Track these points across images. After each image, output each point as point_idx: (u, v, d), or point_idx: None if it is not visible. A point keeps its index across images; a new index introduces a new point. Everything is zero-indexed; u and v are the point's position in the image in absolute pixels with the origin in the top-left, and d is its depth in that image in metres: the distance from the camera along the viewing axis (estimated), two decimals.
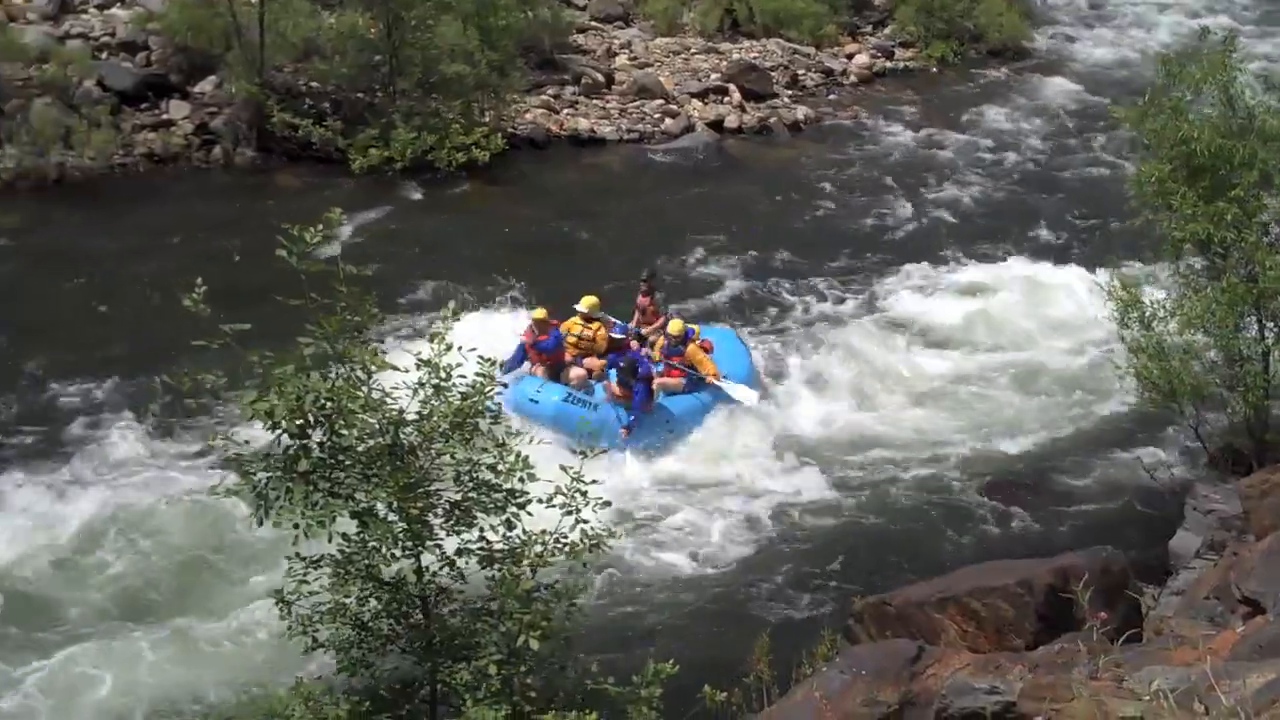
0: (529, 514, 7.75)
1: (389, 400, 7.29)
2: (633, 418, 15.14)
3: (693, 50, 30.37)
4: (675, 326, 16.09)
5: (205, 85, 24.10)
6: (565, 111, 26.39)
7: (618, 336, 16.58)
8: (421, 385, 7.49)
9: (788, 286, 19.98)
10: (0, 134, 21.53)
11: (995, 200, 23.99)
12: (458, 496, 7.64)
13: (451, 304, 8.82)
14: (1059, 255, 21.16)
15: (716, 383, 15.86)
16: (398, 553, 7.54)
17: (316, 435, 7.15)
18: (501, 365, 12.58)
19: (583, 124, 25.90)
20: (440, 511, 7.58)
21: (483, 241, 20.85)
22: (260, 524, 7.15)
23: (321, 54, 24.25)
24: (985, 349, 18.35)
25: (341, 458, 7.25)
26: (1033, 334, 18.71)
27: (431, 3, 23.60)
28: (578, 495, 7.85)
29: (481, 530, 7.82)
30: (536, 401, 15.01)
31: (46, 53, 23.13)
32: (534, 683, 7.95)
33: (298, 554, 7.50)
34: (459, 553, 7.82)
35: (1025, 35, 33.20)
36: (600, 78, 27.80)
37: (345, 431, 7.17)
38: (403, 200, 22.19)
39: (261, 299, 7.70)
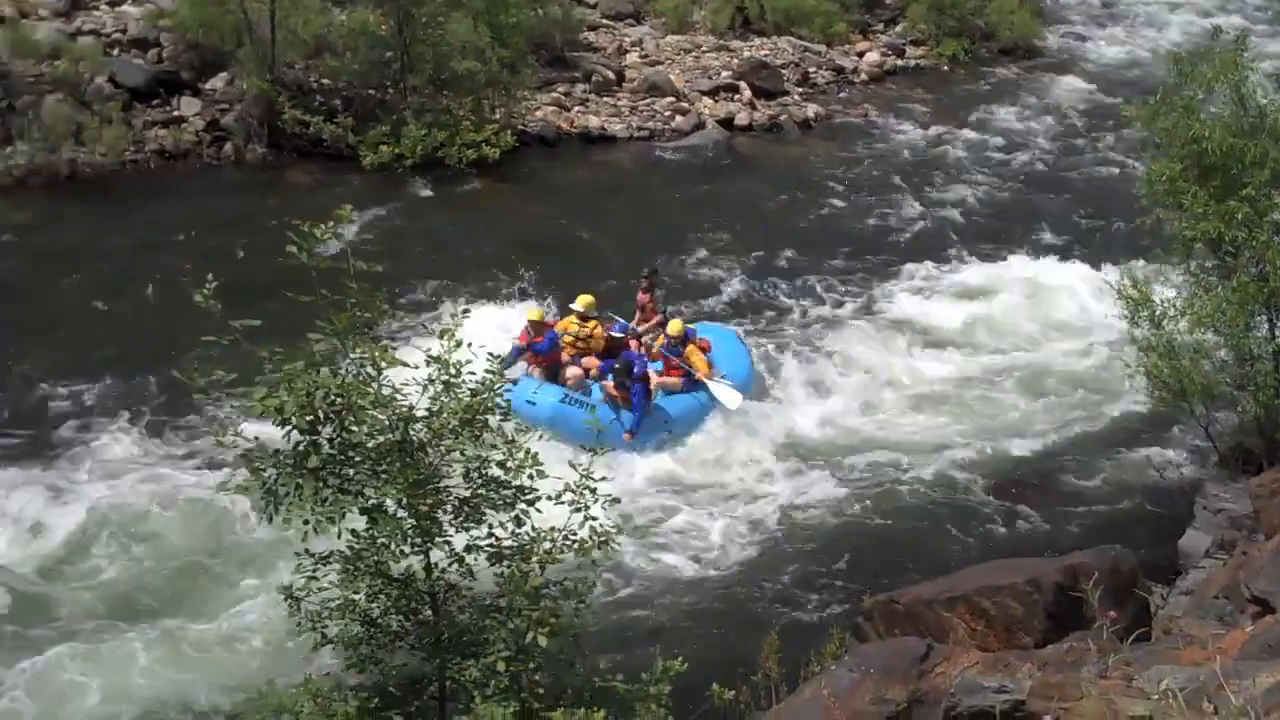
0: (538, 510, 7.76)
1: (399, 396, 7.31)
2: (636, 421, 15.09)
3: (704, 48, 30.38)
4: (675, 327, 16.01)
5: (216, 82, 24.12)
6: (576, 109, 26.39)
7: (617, 335, 16.48)
8: (431, 382, 7.51)
9: (794, 286, 19.94)
10: (12, 130, 21.55)
11: (1004, 200, 23.96)
12: (467, 493, 7.65)
13: (461, 300, 8.83)
14: (1068, 255, 21.09)
15: (705, 381, 15.78)
16: (407, 549, 7.54)
17: (326, 431, 7.16)
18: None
19: (593, 121, 25.90)
20: (449, 508, 7.58)
21: (492, 238, 20.84)
22: (270, 520, 7.15)
23: (332, 50, 24.28)
24: (993, 349, 18.32)
25: (351, 454, 7.25)
26: (1041, 333, 18.69)
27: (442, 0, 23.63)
28: (586, 492, 7.86)
29: (490, 527, 7.82)
30: (534, 403, 14.77)
31: (58, 49, 23.16)
32: (542, 680, 7.94)
33: (307, 550, 7.51)
34: (468, 549, 7.82)
35: (1036, 34, 33.18)
36: (611, 75, 27.82)
37: (355, 428, 7.18)
38: (413, 197, 22.20)
39: (271, 295, 7.73)
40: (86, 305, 17.95)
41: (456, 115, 23.32)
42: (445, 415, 7.40)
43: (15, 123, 21.61)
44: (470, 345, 7.65)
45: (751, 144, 26.18)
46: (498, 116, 24.19)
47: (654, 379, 15.60)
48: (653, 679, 8.05)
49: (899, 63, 31.22)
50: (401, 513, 7.35)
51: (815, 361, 17.63)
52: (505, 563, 7.89)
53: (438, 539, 7.57)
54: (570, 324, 16.06)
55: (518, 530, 7.81)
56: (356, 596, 7.74)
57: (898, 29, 32.92)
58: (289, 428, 7.03)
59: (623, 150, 25.32)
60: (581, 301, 16.14)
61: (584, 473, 7.87)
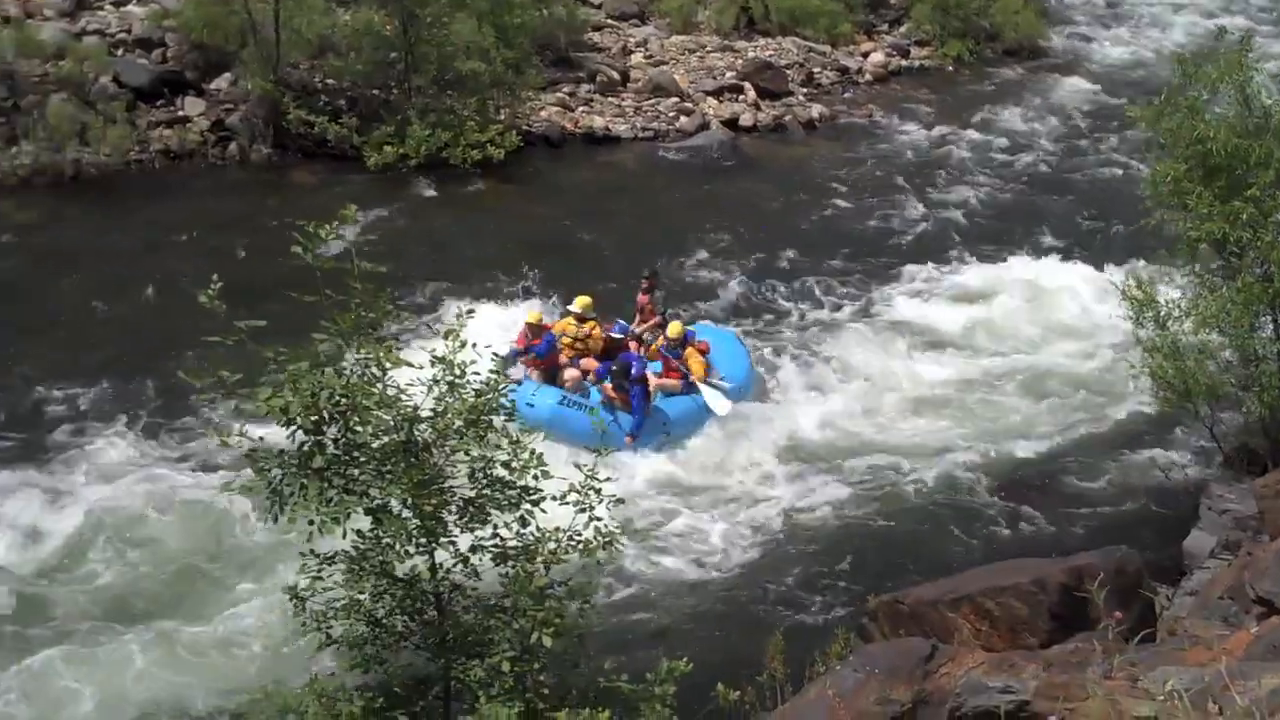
0: (543, 511, 7.76)
1: (403, 397, 7.31)
2: (636, 424, 15.06)
3: (708, 48, 30.37)
4: (674, 329, 15.93)
5: (221, 82, 24.16)
6: (580, 109, 26.40)
7: (617, 336, 16.43)
8: (436, 382, 7.51)
9: (795, 288, 19.90)
10: (17, 130, 21.59)
11: (1008, 201, 23.93)
12: (472, 493, 7.65)
13: (465, 301, 8.83)
14: (1071, 256, 21.03)
15: (698, 384, 15.71)
16: (412, 549, 7.55)
17: (331, 432, 7.16)
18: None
19: (598, 122, 25.90)
20: (454, 508, 7.59)
21: (497, 239, 20.85)
22: (275, 520, 7.16)
23: (337, 51, 24.31)
24: (996, 350, 18.26)
25: (356, 454, 7.27)
26: (1044, 335, 18.63)
27: (447, 0, 23.64)
28: (591, 493, 7.86)
29: (495, 527, 7.82)
30: (532, 405, 14.60)
31: (63, 49, 23.20)
32: (547, 680, 7.95)
33: (312, 550, 7.51)
34: (473, 549, 7.82)
35: (1041, 34, 33.16)
36: (615, 75, 27.81)
37: (360, 428, 7.18)
38: (417, 197, 22.21)
39: (276, 295, 7.72)
40: (89, 305, 17.95)
41: (461, 116, 23.34)
42: (450, 415, 7.40)
43: (20, 122, 21.66)
44: (475, 345, 7.65)
45: (756, 145, 26.17)
46: (502, 117, 24.20)
47: (653, 381, 15.56)
48: (658, 679, 8.06)
49: (903, 63, 31.22)
50: (406, 513, 7.36)
51: (816, 363, 17.58)
52: (510, 563, 7.90)
53: (443, 539, 7.57)
54: (568, 325, 16.01)
55: (522, 531, 7.81)
56: (361, 597, 7.76)
57: (902, 29, 32.90)
58: (294, 428, 7.04)
59: (627, 151, 25.33)
60: (579, 303, 16.09)
61: (589, 473, 7.87)
